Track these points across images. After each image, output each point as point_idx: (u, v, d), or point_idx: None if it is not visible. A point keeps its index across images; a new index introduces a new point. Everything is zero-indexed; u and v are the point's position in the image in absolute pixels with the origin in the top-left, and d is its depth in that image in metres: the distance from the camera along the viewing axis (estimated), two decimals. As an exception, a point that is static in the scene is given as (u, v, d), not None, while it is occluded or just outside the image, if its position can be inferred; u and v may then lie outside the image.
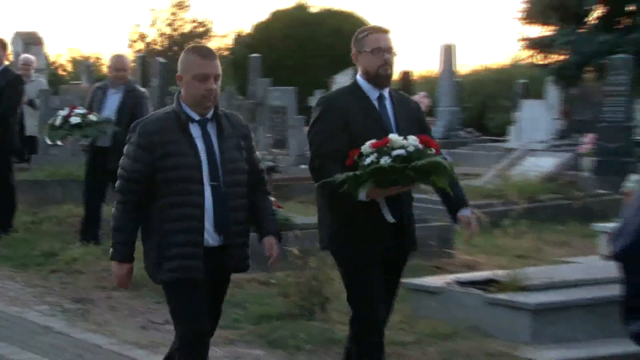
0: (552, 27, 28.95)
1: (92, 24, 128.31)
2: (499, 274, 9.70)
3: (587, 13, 28.56)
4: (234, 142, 5.65)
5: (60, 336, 9.17)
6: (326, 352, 8.48)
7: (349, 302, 6.41)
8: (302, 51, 42.10)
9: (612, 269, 2.83)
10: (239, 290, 10.57)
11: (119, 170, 5.57)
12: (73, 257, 12.24)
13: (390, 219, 6.09)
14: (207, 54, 5.64)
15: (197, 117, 5.50)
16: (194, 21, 70.73)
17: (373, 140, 5.76)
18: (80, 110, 12.74)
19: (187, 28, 70.54)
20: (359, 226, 6.13)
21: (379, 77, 6.09)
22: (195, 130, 5.47)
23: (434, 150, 5.84)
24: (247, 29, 51.45)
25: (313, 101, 26.47)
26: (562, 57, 28.72)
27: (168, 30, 69.82)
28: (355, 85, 6.23)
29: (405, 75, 35.61)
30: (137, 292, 10.69)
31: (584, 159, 19.06)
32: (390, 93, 6.25)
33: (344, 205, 5.99)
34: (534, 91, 30.29)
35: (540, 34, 29.48)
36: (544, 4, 28.88)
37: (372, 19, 50.18)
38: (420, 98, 29.05)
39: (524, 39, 30.22)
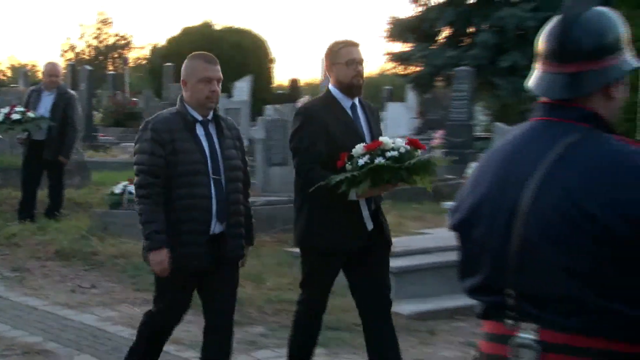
0: (410, 44, 29.29)
1: (29, 35, 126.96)
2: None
3: (437, 33, 28.99)
4: (231, 142, 5.46)
5: (1, 300, 9.22)
6: (238, 310, 8.51)
7: (301, 287, 6.23)
8: (207, 61, 41.87)
9: (455, 238, 2.98)
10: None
11: (137, 167, 5.25)
12: (12, 233, 12.30)
13: (370, 226, 5.77)
14: (211, 59, 5.41)
15: (200, 118, 5.27)
16: (116, 35, 72.38)
17: (363, 144, 5.46)
18: (19, 109, 12.81)
19: (110, 41, 71.84)
20: (340, 227, 5.71)
21: (353, 86, 5.73)
22: (199, 130, 5.25)
23: (419, 151, 5.58)
24: (161, 42, 51.13)
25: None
26: (418, 69, 29.12)
27: (94, 42, 70.88)
28: (329, 95, 5.78)
29: (293, 82, 35.70)
30: (67, 262, 10.80)
31: (435, 150, 19.47)
32: (360, 101, 5.91)
33: (329, 207, 5.63)
34: (396, 95, 30.77)
35: (401, 50, 29.78)
36: (403, 26, 29.25)
37: (266, 35, 50.13)
38: (305, 101, 29.30)
39: (388, 54, 30.48)
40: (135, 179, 5.24)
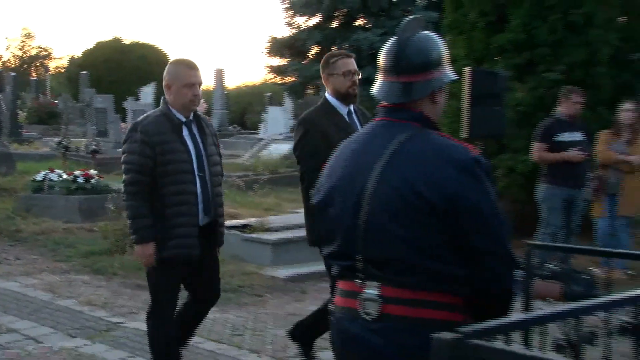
0: (286, 59, 29.31)
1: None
2: (251, 220, 10.05)
3: (307, 51, 29.05)
4: (211, 139, 5.11)
5: None
6: (133, 276, 8.50)
7: None
8: (118, 70, 41.25)
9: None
10: (72, 235, 10.64)
11: (127, 166, 4.89)
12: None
13: None
14: (193, 66, 5.02)
15: (183, 119, 4.91)
16: (39, 47, 71.32)
17: None
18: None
19: (34, 52, 70.83)
20: None
21: (349, 95, 5.27)
22: (184, 131, 4.93)
23: None
24: (78, 53, 50.28)
25: (126, 104, 26.19)
26: (292, 79, 29.15)
27: (19, 53, 70.13)
28: (327, 103, 5.31)
29: (192, 89, 35.53)
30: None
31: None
32: (354, 107, 5.42)
33: None
34: (276, 100, 30.91)
35: (279, 64, 29.77)
36: (280, 44, 29.26)
37: (168, 48, 49.91)
38: (201, 104, 29.04)
39: (268, 67, 30.48)
40: (125, 177, 4.92)
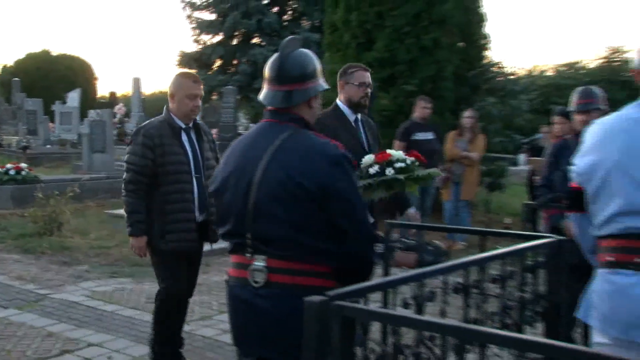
0: (194, 70, 28.91)
1: None
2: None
3: (212, 63, 28.84)
4: (208, 145, 4.83)
5: None
6: (60, 254, 8.29)
7: None
8: (46, 78, 39.86)
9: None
10: (4, 220, 10.29)
11: (128, 166, 4.61)
12: None
13: None
14: (197, 79, 4.74)
15: (183, 126, 4.63)
16: None
17: (372, 155, 4.48)
18: None
19: None
20: None
21: (360, 105, 4.80)
22: (183, 136, 4.67)
23: (417, 162, 4.62)
24: (10, 62, 48.10)
25: (54, 107, 25.37)
26: (199, 86, 28.93)
27: None
28: (337, 109, 4.81)
29: (112, 94, 34.55)
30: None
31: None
32: (360, 116, 4.95)
33: None
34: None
35: (188, 74, 29.50)
36: (189, 57, 28.93)
37: (91, 59, 48.53)
38: (120, 107, 28.37)
39: (180, 76, 30.05)
40: (125, 175, 4.64)
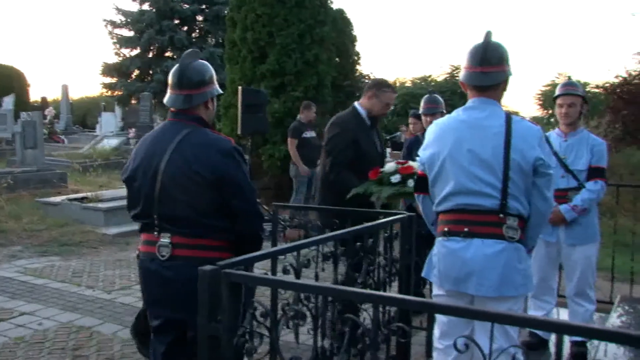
0: (115, 78, 27.80)
1: None
2: (89, 194, 9.44)
3: (132, 72, 27.82)
4: None
5: None
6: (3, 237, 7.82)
7: None
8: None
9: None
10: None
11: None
12: None
13: None
14: None
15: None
16: None
17: (394, 164, 4.04)
18: None
19: None
20: None
21: (378, 118, 4.32)
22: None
23: None
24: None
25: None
26: (120, 93, 27.66)
27: None
28: (357, 113, 4.25)
29: (44, 99, 32.67)
30: None
31: (130, 140, 18.57)
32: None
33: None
34: (108, 108, 29.04)
35: (110, 82, 28.10)
36: (111, 67, 27.72)
37: (24, 68, 45.70)
38: (50, 110, 26.82)
39: (103, 83, 28.68)
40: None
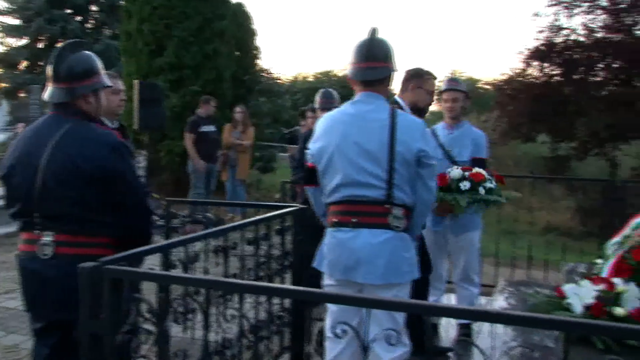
0: (1, 70, 26.06)
1: None
2: None
3: (18, 63, 26.21)
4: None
5: None
6: None
7: None
8: None
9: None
10: None
11: None
12: None
13: None
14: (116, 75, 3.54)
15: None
16: None
17: (460, 170, 3.81)
18: None
19: None
20: None
21: (424, 112, 3.76)
22: None
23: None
24: None
25: None
26: (7, 85, 25.97)
27: None
28: (401, 107, 3.56)
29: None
30: None
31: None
32: None
33: None
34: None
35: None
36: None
37: None
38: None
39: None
40: None
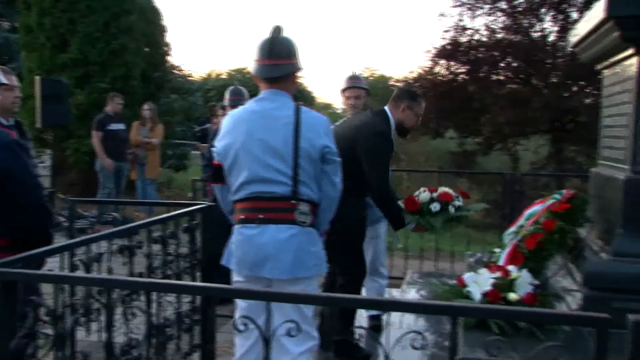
0: None
1: None
2: None
3: None
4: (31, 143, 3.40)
5: None
6: None
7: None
8: None
9: None
10: None
11: None
12: None
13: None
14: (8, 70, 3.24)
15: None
16: None
17: (427, 193, 3.84)
18: None
19: None
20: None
21: (408, 132, 3.89)
22: None
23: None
24: None
25: None
26: None
27: None
28: (389, 123, 3.79)
29: None
30: None
31: None
32: None
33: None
34: None
35: None
36: None
37: None
38: None
39: None
40: None
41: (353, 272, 3.77)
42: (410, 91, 3.92)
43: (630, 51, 3.08)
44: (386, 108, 3.85)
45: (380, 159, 3.67)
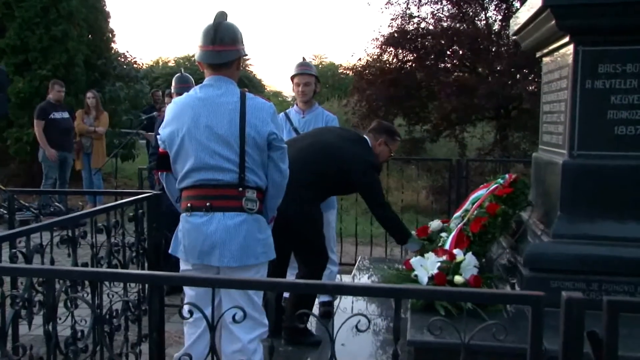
0: None
1: None
2: None
3: None
4: None
5: None
6: None
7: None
8: None
9: None
10: None
11: None
12: None
13: None
14: None
15: None
16: None
17: (439, 222, 4.11)
18: None
19: None
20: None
21: (380, 166, 4.04)
22: None
23: None
24: None
25: None
26: None
27: None
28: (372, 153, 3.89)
29: None
30: None
31: None
32: None
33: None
34: None
35: None
36: None
37: None
38: None
39: None
40: None
41: (314, 262, 3.83)
42: (390, 129, 4.06)
43: (566, 39, 3.19)
44: (366, 137, 3.95)
45: (378, 192, 3.83)
